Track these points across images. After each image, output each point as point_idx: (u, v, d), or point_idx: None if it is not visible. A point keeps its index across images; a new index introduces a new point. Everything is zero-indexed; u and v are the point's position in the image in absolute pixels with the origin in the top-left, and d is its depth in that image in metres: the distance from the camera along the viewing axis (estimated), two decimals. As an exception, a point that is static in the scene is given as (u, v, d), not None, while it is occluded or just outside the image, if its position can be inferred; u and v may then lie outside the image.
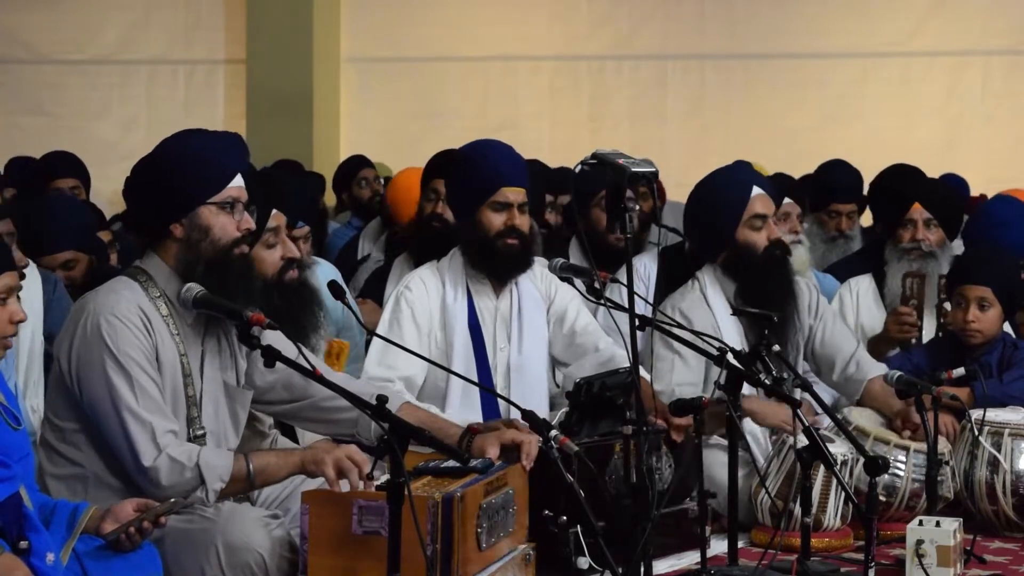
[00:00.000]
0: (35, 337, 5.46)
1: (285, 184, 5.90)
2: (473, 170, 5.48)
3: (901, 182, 6.89)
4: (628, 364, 4.46)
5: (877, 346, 6.34)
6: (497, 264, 5.43)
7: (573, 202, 7.04)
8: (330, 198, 10.90)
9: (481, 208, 5.40)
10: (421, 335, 5.38)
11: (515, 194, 5.41)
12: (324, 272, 5.86)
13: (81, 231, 6.08)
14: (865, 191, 7.60)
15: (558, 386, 5.73)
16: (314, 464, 4.15)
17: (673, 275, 6.22)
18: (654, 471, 4.74)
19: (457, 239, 5.57)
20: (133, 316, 4.19)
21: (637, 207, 4.37)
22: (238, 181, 4.35)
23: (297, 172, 9.90)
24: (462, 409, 5.26)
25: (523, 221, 5.42)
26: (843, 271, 7.01)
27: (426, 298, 5.43)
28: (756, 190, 5.80)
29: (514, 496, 4.32)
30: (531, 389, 5.38)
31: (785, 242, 5.95)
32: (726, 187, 5.83)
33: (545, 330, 5.58)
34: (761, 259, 5.73)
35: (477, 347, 5.44)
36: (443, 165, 6.37)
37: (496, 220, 5.39)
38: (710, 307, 5.72)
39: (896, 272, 6.52)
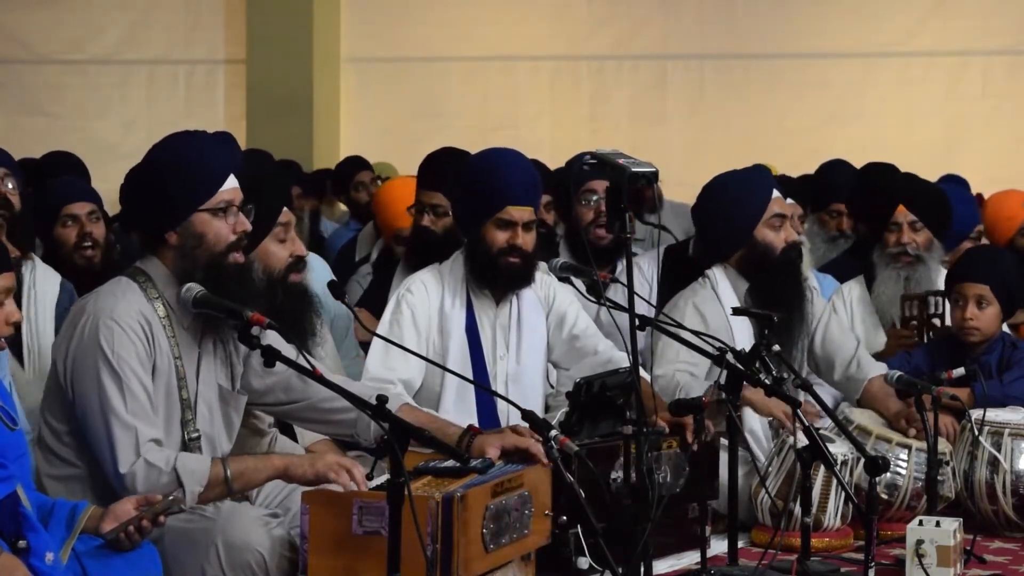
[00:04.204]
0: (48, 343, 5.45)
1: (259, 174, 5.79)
2: (481, 183, 5.39)
3: (884, 184, 6.89)
4: (627, 365, 4.45)
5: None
6: (497, 280, 5.40)
7: (567, 199, 7.03)
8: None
9: (486, 224, 5.34)
10: (420, 338, 5.37)
11: (520, 213, 5.34)
12: (314, 267, 5.78)
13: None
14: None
15: (552, 387, 5.73)
16: (298, 470, 4.16)
17: (675, 275, 6.22)
18: (654, 471, 4.74)
19: (455, 246, 5.55)
20: (132, 321, 4.18)
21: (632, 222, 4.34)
22: (231, 183, 4.33)
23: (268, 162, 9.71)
24: (456, 413, 5.23)
25: (527, 240, 5.35)
26: (833, 272, 7.01)
27: (426, 302, 5.41)
28: (775, 192, 5.86)
29: (531, 498, 4.30)
30: (527, 397, 5.35)
31: (801, 245, 5.98)
32: (748, 186, 5.87)
33: (544, 337, 5.56)
34: (777, 260, 5.76)
35: (476, 355, 5.41)
36: (433, 176, 6.28)
37: (499, 238, 5.33)
38: (722, 305, 5.73)
39: (886, 280, 6.52)
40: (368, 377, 5.23)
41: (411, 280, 5.50)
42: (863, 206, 7.14)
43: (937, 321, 6.32)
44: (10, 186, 5.62)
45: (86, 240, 6.06)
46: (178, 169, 4.26)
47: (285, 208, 4.89)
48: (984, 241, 7.52)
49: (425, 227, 6.25)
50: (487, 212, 5.34)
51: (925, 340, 6.33)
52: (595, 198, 6.47)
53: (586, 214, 6.49)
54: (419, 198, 6.36)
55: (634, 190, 4.33)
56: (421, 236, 6.28)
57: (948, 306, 6.29)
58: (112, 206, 7.33)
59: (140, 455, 4.08)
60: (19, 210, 5.58)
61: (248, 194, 4.42)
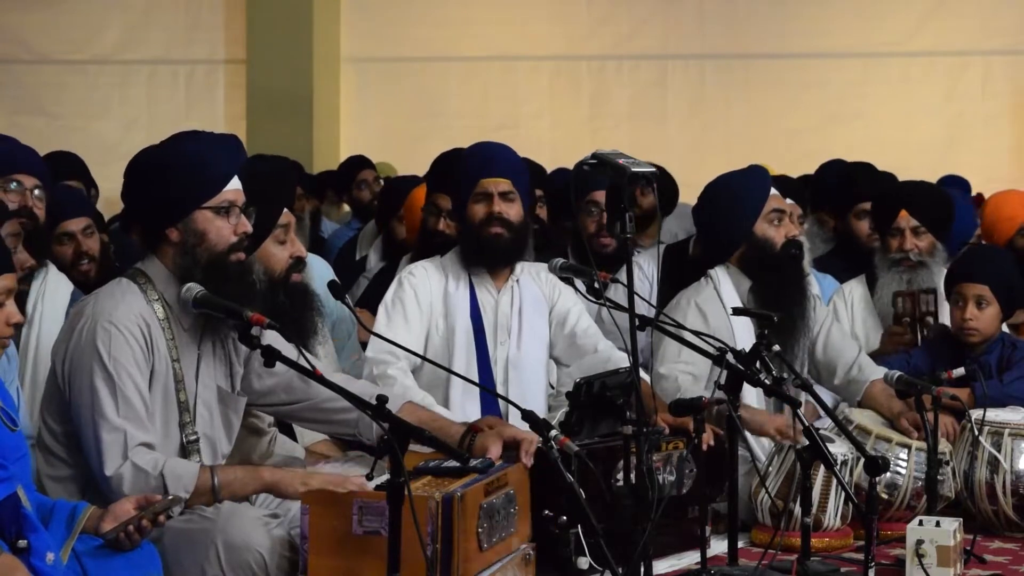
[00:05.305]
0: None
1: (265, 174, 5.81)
2: (457, 171, 5.62)
3: (887, 189, 6.88)
4: (627, 364, 4.44)
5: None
6: (484, 254, 5.49)
7: (572, 206, 7.04)
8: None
9: (468, 204, 5.50)
10: (423, 315, 5.44)
11: (495, 184, 5.48)
12: (314, 267, 5.80)
13: None
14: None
15: (553, 387, 5.74)
16: (288, 487, 4.17)
17: (674, 276, 6.22)
18: (654, 472, 4.73)
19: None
20: (131, 324, 4.17)
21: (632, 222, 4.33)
22: (234, 184, 4.34)
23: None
24: (463, 398, 5.33)
25: (508, 209, 5.47)
26: (821, 270, 7.02)
27: (428, 283, 5.50)
28: (773, 189, 5.88)
29: (515, 496, 4.32)
30: (529, 386, 5.42)
31: (801, 242, 5.98)
32: (746, 183, 5.90)
33: (546, 330, 5.61)
34: (778, 256, 5.77)
35: (478, 339, 5.47)
36: (442, 178, 6.32)
37: (479, 211, 5.47)
38: (724, 304, 5.74)
39: (887, 283, 6.52)
40: (371, 353, 5.27)
41: (413, 265, 5.63)
42: (852, 207, 7.17)
43: (930, 319, 6.32)
44: (36, 193, 5.62)
45: (83, 258, 6.07)
46: (184, 164, 4.28)
47: (285, 209, 4.89)
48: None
49: (439, 231, 6.29)
50: (467, 193, 5.50)
51: (918, 337, 6.34)
52: (596, 210, 6.52)
53: (589, 225, 6.54)
54: (433, 201, 6.40)
55: (655, 187, 4.38)
56: (432, 238, 6.32)
57: (940, 304, 6.30)
58: (112, 206, 7.32)
59: (127, 458, 4.08)
60: (42, 221, 5.59)
61: (249, 195, 4.42)
